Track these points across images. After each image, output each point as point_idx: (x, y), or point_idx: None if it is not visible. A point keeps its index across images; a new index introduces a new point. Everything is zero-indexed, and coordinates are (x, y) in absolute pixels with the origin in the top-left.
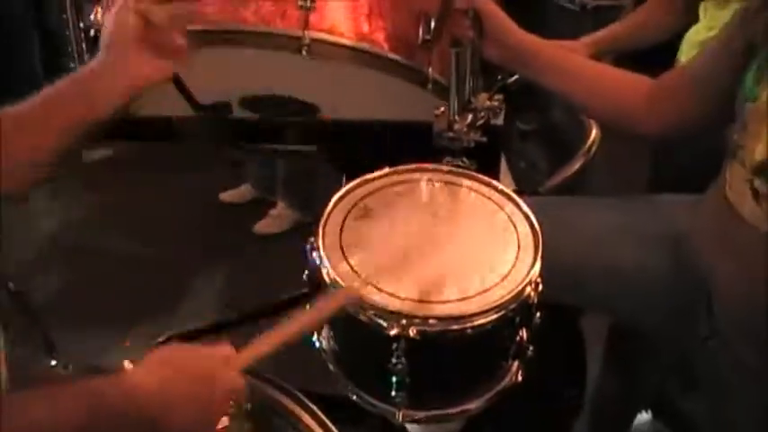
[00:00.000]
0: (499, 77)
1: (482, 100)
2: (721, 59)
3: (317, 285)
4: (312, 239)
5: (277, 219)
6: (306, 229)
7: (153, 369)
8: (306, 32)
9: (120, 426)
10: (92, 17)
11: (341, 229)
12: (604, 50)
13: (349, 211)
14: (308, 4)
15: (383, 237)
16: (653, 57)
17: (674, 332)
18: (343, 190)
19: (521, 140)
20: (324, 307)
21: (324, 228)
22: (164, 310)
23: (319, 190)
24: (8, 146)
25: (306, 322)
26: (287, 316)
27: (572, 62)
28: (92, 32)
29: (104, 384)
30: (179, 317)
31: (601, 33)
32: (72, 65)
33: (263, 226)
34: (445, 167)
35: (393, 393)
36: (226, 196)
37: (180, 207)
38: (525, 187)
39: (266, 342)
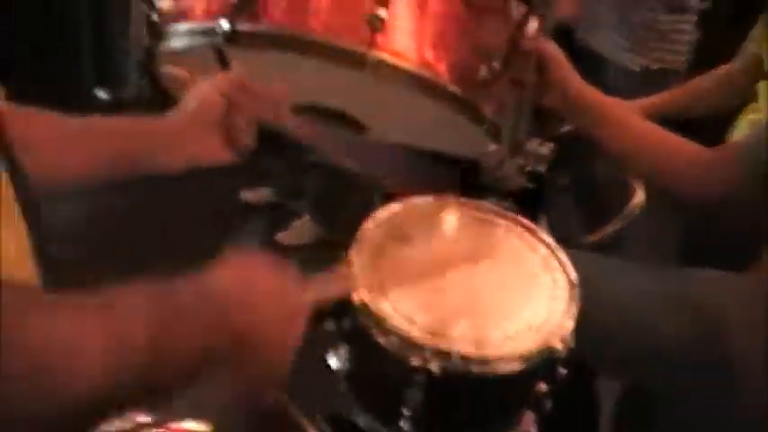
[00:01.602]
0: (555, 126)
1: (534, 145)
2: None
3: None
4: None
5: (300, 231)
6: (329, 245)
7: (230, 270)
8: (371, 51)
9: (193, 334)
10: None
11: (374, 250)
12: (659, 116)
13: (385, 233)
14: (378, 25)
15: (416, 264)
16: (702, 125)
17: (694, 406)
18: (383, 210)
19: (557, 191)
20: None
21: (358, 244)
22: None
23: (349, 208)
24: (49, 153)
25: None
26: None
27: (631, 120)
28: (154, 17)
29: (174, 286)
30: None
31: (657, 98)
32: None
33: (285, 237)
34: (488, 205)
35: (401, 423)
36: (248, 195)
37: (199, 202)
38: (557, 238)
39: None
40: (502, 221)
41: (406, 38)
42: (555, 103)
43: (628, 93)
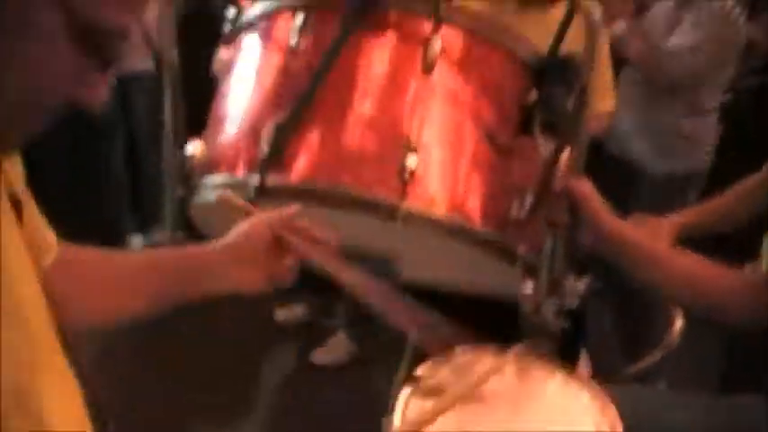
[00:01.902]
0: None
1: (570, 282)
2: None
3: None
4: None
5: (335, 348)
6: (364, 363)
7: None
8: (402, 202)
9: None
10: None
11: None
12: (692, 233)
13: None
14: (407, 176)
15: (457, 417)
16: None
17: None
18: (421, 367)
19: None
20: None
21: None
22: None
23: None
24: (91, 294)
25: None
26: None
27: (665, 256)
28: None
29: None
30: None
31: (688, 216)
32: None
33: (320, 355)
34: (527, 350)
35: None
36: (281, 315)
37: (232, 321)
38: (600, 372)
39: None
40: (543, 368)
41: (436, 184)
42: (589, 242)
43: (657, 197)
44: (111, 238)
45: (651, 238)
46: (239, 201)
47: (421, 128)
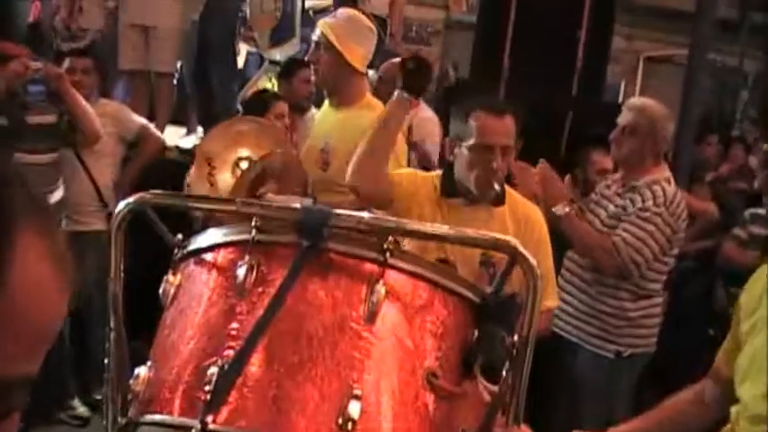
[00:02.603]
0: None
1: None
2: None
3: None
4: None
5: None
6: None
7: None
8: None
9: None
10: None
11: None
12: None
13: None
14: (349, 425)
15: None
16: None
17: None
18: None
19: None
20: None
21: None
22: None
23: None
24: None
25: None
26: None
27: None
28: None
29: None
30: None
31: (634, 425)
32: None
33: None
34: None
35: None
36: None
37: None
38: None
39: None
40: None
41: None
42: None
43: (599, 379)
44: (54, 399)
45: None
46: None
47: (363, 375)
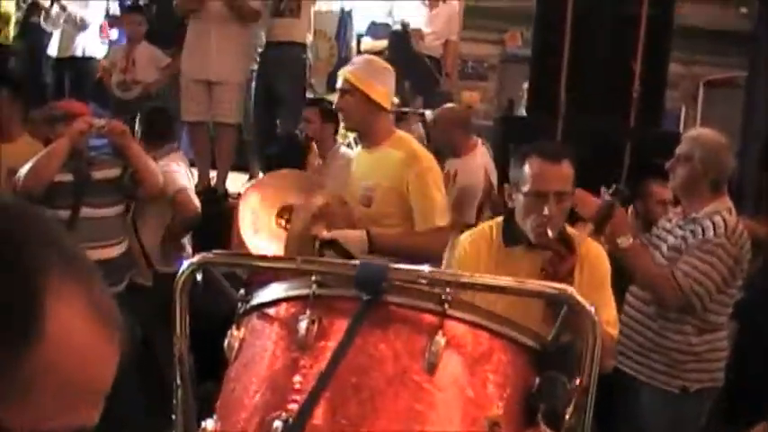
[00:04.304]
0: None
1: None
2: None
3: None
4: None
5: None
6: None
7: None
8: None
9: None
10: None
11: None
12: None
13: None
14: None
15: None
16: None
17: None
18: None
19: None
20: None
21: None
22: None
23: None
24: None
25: None
26: None
27: None
28: None
29: None
30: None
31: None
32: None
33: None
34: None
35: None
36: None
37: None
38: None
39: None
40: None
41: None
42: None
43: (665, 416)
44: None
45: None
46: None
47: (426, 427)
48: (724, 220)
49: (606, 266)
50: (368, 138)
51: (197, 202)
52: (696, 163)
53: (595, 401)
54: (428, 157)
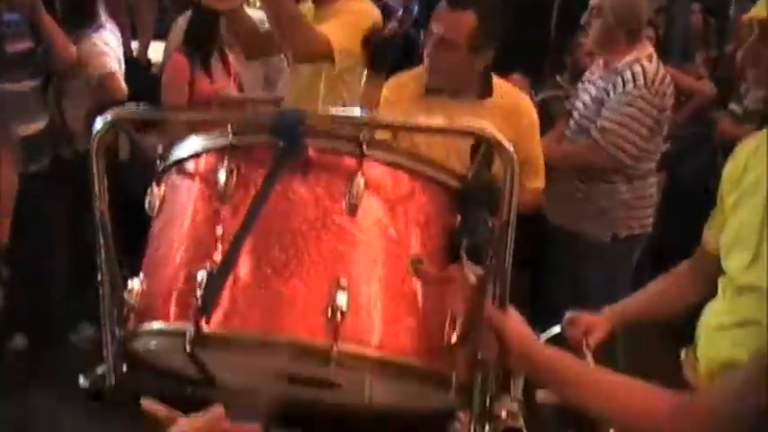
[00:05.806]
0: None
1: (503, 408)
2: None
3: None
4: None
5: None
6: None
7: None
8: (334, 346)
9: None
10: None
11: None
12: (628, 323)
13: None
14: (338, 317)
15: None
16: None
17: None
18: None
19: None
20: None
21: None
22: None
23: None
24: None
25: None
26: None
27: (592, 377)
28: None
29: None
30: None
31: (625, 305)
32: None
33: None
34: None
35: None
36: None
37: None
38: None
39: None
40: None
41: (367, 322)
42: (518, 367)
43: (597, 263)
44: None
45: (586, 334)
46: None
47: (349, 267)
48: (643, 69)
49: (534, 117)
50: None
51: (124, 85)
52: (607, 14)
53: (529, 254)
54: None
